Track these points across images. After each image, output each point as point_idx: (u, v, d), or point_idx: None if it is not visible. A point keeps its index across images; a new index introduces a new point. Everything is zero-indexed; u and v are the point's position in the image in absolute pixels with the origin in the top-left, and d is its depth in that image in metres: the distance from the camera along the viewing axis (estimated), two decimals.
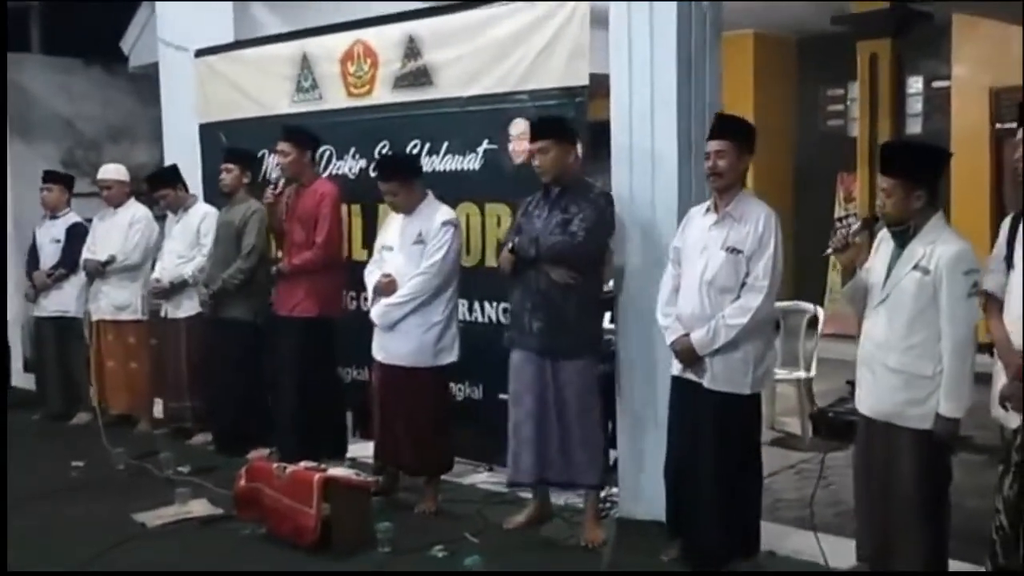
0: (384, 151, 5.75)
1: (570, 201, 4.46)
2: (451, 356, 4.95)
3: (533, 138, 4.52)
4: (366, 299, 5.57)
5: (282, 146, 5.55)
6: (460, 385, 5.44)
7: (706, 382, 4.03)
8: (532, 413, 4.50)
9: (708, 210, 4.13)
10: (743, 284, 3.98)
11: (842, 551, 4.02)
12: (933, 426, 3.55)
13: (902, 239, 3.66)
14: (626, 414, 4.77)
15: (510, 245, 4.50)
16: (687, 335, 4.03)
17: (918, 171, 3.63)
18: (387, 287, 4.90)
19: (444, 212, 4.96)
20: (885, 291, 3.66)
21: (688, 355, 4.04)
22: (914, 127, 9.83)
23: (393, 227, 5.05)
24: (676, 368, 4.16)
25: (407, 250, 4.90)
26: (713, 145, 4.05)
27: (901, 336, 3.60)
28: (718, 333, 3.95)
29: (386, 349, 4.94)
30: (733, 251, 3.98)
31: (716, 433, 4.00)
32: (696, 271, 4.05)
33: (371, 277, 5.04)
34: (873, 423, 3.73)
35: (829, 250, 3.79)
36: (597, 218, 4.41)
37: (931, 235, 3.60)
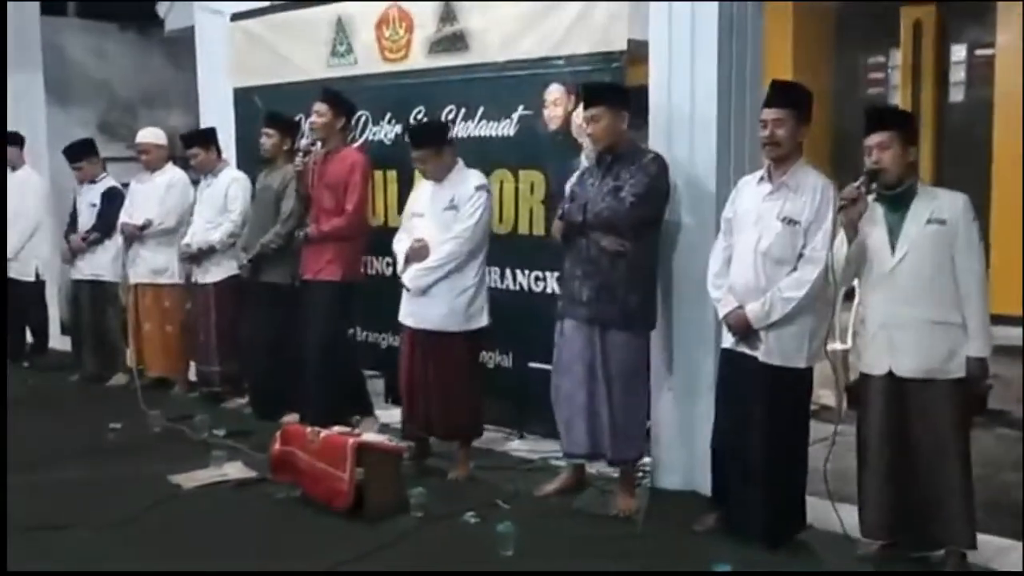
0: (419, 116, 5.72)
1: (622, 167, 4.38)
2: (482, 320, 4.94)
3: (586, 105, 4.43)
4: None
5: (319, 107, 5.53)
6: (491, 353, 5.45)
7: (760, 355, 3.95)
8: (584, 382, 4.44)
9: (762, 179, 4.03)
10: (799, 256, 3.89)
11: None
12: (967, 369, 3.64)
13: (900, 201, 3.71)
14: (660, 384, 4.75)
15: (560, 213, 4.45)
16: (741, 308, 3.96)
17: (908, 128, 3.78)
18: (419, 252, 4.89)
19: (477, 177, 4.94)
20: (897, 254, 3.69)
21: (742, 328, 3.96)
22: (957, 95, 9.63)
23: (423, 194, 5.03)
24: (728, 341, 4.08)
25: (439, 216, 4.88)
26: (771, 113, 3.91)
27: (930, 290, 3.67)
28: (774, 306, 3.87)
29: (417, 314, 4.94)
30: (789, 222, 3.89)
31: (769, 407, 3.95)
32: (750, 242, 3.96)
33: (400, 244, 5.04)
34: (908, 385, 3.70)
35: (842, 203, 3.72)
36: (649, 183, 4.31)
37: (928, 193, 3.74)
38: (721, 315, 4.07)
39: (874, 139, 3.70)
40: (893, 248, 3.69)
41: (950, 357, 3.67)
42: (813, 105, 4.03)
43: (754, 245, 3.95)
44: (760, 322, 3.91)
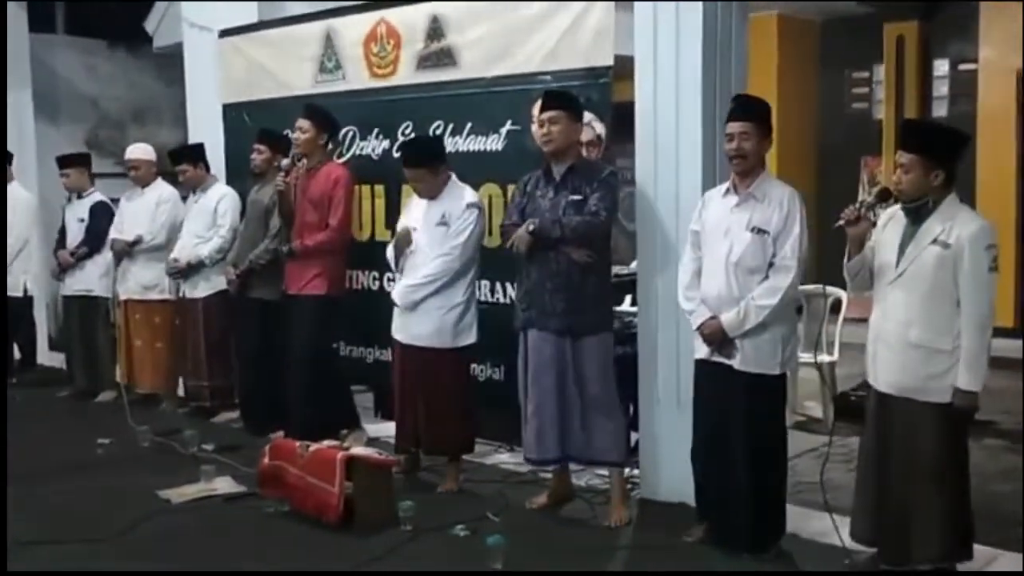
0: (408, 132, 5.75)
1: (580, 181, 4.45)
2: (470, 337, 4.97)
3: (544, 108, 4.50)
4: (390, 280, 5.62)
5: (301, 122, 5.56)
6: (482, 366, 5.46)
7: (736, 364, 4.01)
8: (553, 391, 4.50)
9: (727, 192, 4.10)
10: (770, 264, 3.96)
11: None
12: (952, 399, 3.58)
13: (917, 216, 3.66)
14: (647, 396, 4.78)
15: (531, 227, 4.47)
16: (715, 318, 4.01)
17: (939, 150, 3.64)
18: (405, 238, 4.94)
19: (469, 195, 4.97)
20: (900, 268, 3.67)
21: (717, 337, 4.01)
22: (940, 110, 9.74)
23: (416, 208, 5.06)
24: (702, 351, 4.13)
25: (430, 232, 4.90)
26: (737, 127, 3.99)
27: (920, 311, 3.62)
28: (748, 314, 3.93)
29: (407, 330, 4.96)
30: (758, 231, 3.95)
31: (747, 415, 3.99)
32: (720, 253, 4.02)
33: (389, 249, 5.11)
34: (889, 400, 3.72)
35: (840, 222, 3.77)
36: (613, 198, 4.43)
37: (948, 212, 3.62)
38: (695, 326, 4.12)
39: (899, 158, 3.68)
40: (898, 263, 3.69)
41: (930, 381, 3.61)
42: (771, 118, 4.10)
43: (725, 256, 4.01)
44: (735, 330, 3.96)
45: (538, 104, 5.09)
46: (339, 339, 5.99)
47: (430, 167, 4.92)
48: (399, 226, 5.16)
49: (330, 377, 5.67)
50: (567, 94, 4.61)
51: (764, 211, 3.98)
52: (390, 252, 5.10)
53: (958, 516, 3.69)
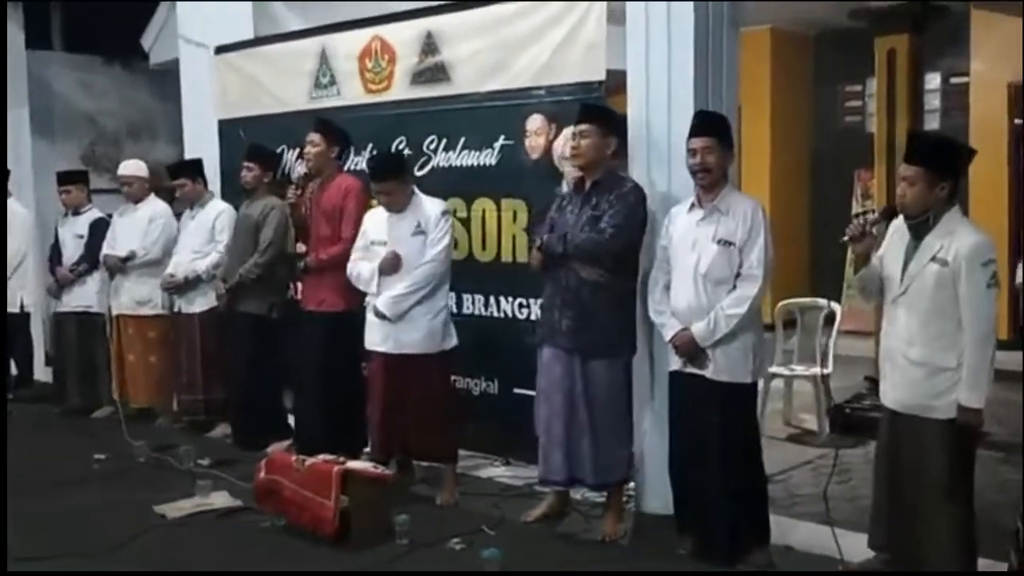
0: (401, 147, 5.77)
1: (601, 196, 4.43)
2: (453, 340, 5.03)
3: (578, 121, 4.52)
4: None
5: (312, 136, 5.55)
6: (476, 380, 5.47)
7: (709, 374, 4.06)
8: (561, 411, 4.49)
9: (692, 206, 4.17)
10: (737, 275, 4.03)
11: (858, 546, 4.03)
12: (957, 416, 3.59)
13: (919, 231, 3.68)
14: (644, 409, 4.78)
15: (538, 242, 4.50)
16: (686, 329, 4.07)
17: (945, 163, 3.66)
18: (393, 263, 4.92)
19: (439, 203, 5.04)
20: (903, 285, 3.68)
21: (689, 348, 4.07)
22: (932, 123, 9.75)
23: (378, 223, 5.08)
24: (675, 363, 4.19)
25: (406, 242, 4.93)
26: (699, 142, 4.08)
27: (921, 329, 3.64)
28: (718, 323, 3.99)
29: (394, 339, 4.95)
30: (725, 243, 4.03)
31: (722, 424, 4.04)
32: (688, 265, 4.09)
33: (361, 266, 5.06)
34: (898, 416, 3.75)
35: (845, 238, 3.82)
36: (628, 214, 4.38)
37: (947, 227, 3.63)
38: (667, 339, 4.18)
39: (904, 171, 3.69)
40: (901, 280, 3.71)
41: (935, 398, 3.62)
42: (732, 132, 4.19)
43: (693, 268, 4.07)
44: (706, 340, 4.02)
45: (531, 118, 5.20)
46: (358, 358, 5.51)
47: (400, 180, 4.97)
48: (363, 243, 5.13)
49: (346, 398, 5.50)
50: (600, 107, 4.63)
51: (729, 223, 4.05)
52: (364, 271, 5.03)
53: (965, 530, 3.70)
